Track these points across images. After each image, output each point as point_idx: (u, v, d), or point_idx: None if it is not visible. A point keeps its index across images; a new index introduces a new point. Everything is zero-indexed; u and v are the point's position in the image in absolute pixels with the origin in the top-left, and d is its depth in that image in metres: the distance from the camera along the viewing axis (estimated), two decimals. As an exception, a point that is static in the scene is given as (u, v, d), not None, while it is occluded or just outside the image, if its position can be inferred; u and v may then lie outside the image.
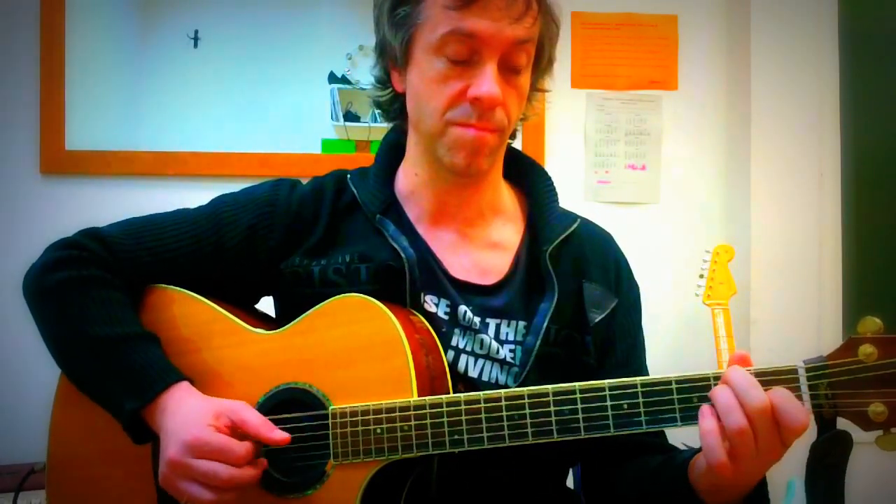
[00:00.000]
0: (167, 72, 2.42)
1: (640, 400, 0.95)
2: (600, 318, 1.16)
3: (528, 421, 0.98)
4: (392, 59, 1.14)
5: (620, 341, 1.19)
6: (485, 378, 1.11)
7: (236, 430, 1.02)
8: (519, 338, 1.14)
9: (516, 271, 1.18)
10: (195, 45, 2.44)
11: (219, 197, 1.22)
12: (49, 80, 2.36)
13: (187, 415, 1.03)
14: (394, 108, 1.19)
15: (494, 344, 1.12)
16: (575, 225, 1.19)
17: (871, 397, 0.89)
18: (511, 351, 1.13)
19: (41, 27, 2.35)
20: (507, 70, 1.08)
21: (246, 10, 2.45)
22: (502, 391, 0.99)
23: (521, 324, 1.14)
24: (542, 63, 1.15)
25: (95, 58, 2.40)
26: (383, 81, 1.18)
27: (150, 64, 2.42)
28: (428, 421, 1.00)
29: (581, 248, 1.19)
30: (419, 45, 1.08)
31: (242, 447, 1.00)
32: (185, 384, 1.08)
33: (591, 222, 1.26)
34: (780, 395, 0.88)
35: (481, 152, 1.09)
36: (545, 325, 1.11)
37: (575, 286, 1.16)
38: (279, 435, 1.02)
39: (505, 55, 1.06)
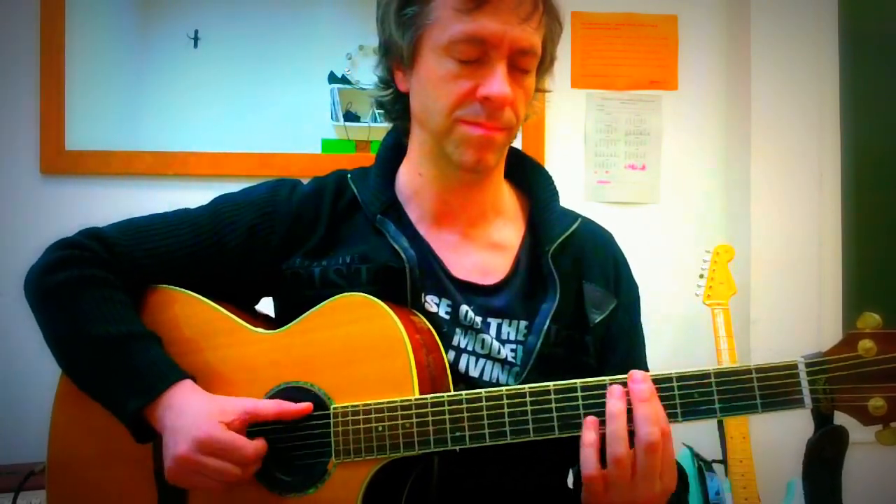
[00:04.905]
0: (167, 72, 2.43)
1: None
2: (600, 318, 1.16)
3: (530, 417, 0.98)
4: (397, 58, 1.13)
5: (620, 342, 1.19)
6: (486, 378, 1.11)
7: (248, 427, 1.04)
8: (520, 337, 1.14)
9: (517, 271, 1.17)
10: (195, 45, 2.44)
11: (219, 197, 1.22)
12: (49, 80, 2.36)
13: (196, 412, 1.03)
14: (396, 108, 1.19)
15: (496, 344, 1.12)
16: (576, 224, 1.19)
17: (871, 392, 0.90)
18: (512, 351, 1.13)
19: (41, 27, 2.35)
20: (515, 69, 1.08)
21: (246, 10, 2.45)
22: (504, 388, 0.99)
23: (523, 324, 1.14)
24: (544, 63, 1.15)
25: (95, 58, 2.40)
26: (386, 81, 1.18)
27: (150, 64, 2.42)
28: (430, 418, 1.00)
29: (581, 248, 1.19)
30: (427, 45, 1.08)
31: (252, 446, 1.02)
32: (188, 382, 1.08)
33: (591, 221, 1.26)
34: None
35: (490, 149, 1.09)
36: (547, 325, 1.11)
37: (575, 286, 1.16)
38: (299, 406, 1.05)
39: (513, 55, 1.06)
